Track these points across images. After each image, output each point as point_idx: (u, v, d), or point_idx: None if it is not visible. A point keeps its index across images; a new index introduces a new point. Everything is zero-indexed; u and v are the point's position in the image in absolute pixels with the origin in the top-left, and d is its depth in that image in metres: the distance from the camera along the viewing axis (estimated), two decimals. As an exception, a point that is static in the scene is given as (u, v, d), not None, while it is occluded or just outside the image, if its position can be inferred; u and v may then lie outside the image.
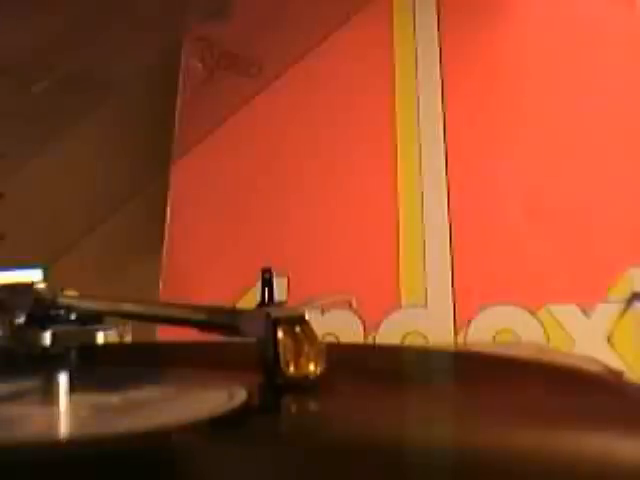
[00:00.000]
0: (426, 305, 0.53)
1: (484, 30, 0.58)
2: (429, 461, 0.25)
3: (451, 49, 0.58)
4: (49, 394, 0.31)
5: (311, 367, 0.32)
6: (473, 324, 0.52)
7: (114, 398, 0.32)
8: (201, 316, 0.33)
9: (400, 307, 0.53)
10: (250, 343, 0.33)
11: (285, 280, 0.54)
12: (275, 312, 0.32)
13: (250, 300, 0.52)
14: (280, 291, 0.51)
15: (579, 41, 0.57)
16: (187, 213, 0.58)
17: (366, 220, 0.55)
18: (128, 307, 0.35)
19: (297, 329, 0.32)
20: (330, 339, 0.52)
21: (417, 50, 0.59)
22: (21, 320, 0.33)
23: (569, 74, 0.56)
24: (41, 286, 0.34)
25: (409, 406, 0.33)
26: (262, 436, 0.28)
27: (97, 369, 0.35)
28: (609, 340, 0.51)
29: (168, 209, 0.58)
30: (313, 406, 0.32)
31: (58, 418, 0.30)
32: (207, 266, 0.56)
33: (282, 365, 0.32)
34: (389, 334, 0.52)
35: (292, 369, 0.32)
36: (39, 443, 0.27)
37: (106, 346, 0.33)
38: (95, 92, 0.61)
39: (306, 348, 0.32)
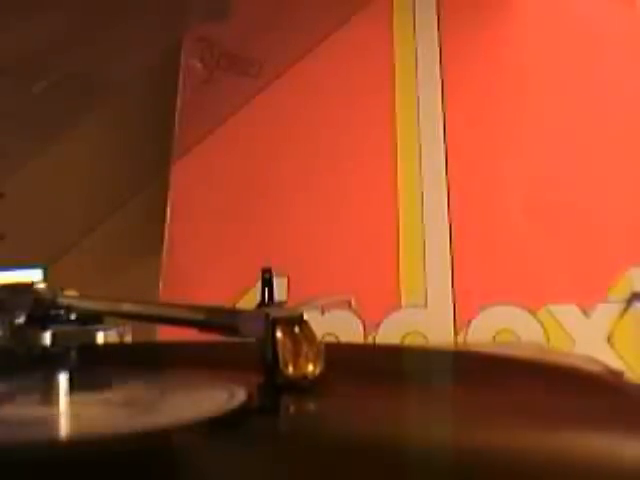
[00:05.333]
0: (426, 305, 0.53)
1: (484, 30, 0.58)
2: (429, 461, 0.25)
3: (451, 49, 0.58)
4: (49, 394, 0.31)
5: (310, 367, 0.32)
6: (473, 324, 0.52)
7: (114, 398, 0.32)
8: (201, 316, 0.33)
9: (400, 307, 0.53)
10: (250, 343, 0.33)
11: (285, 280, 0.54)
12: (274, 312, 0.33)
13: (250, 300, 0.52)
14: (280, 291, 0.51)
15: (579, 41, 0.57)
16: (187, 213, 0.58)
17: (366, 220, 0.55)
18: (128, 307, 0.35)
19: (296, 329, 0.32)
20: (330, 339, 0.52)
21: (417, 50, 0.59)
22: (21, 320, 0.33)
23: (569, 74, 0.56)
24: (41, 286, 0.34)
25: (409, 406, 0.33)
26: (261, 436, 0.28)
27: (97, 369, 0.35)
28: (609, 340, 0.51)
29: (168, 209, 0.58)
30: (312, 406, 0.32)
31: (58, 418, 0.30)
32: (207, 266, 0.56)
33: (281, 365, 0.32)
34: (389, 334, 0.52)
35: (291, 369, 0.32)
36: (39, 443, 0.27)
37: (106, 346, 0.33)
38: (95, 92, 0.61)
39: (305, 348, 0.32)
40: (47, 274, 0.35)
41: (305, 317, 0.33)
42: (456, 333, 0.52)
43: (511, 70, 0.57)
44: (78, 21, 0.58)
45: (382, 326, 0.53)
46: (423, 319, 0.53)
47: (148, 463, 0.25)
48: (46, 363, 0.32)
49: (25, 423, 0.29)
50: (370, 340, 0.53)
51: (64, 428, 0.30)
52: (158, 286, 0.56)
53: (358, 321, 0.53)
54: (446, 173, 0.55)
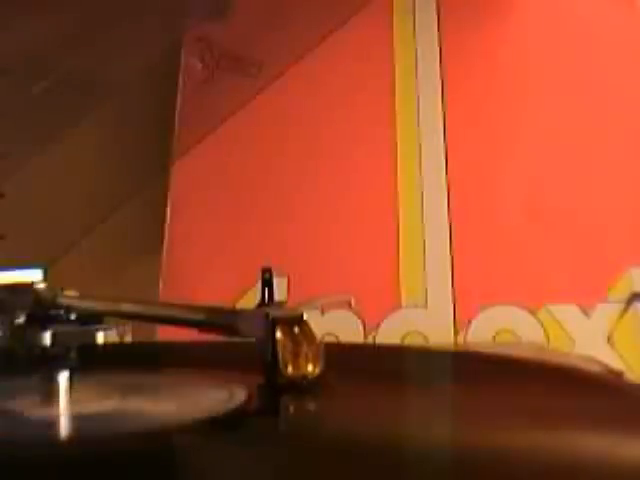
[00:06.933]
0: (426, 305, 0.53)
1: (484, 30, 0.58)
2: (429, 461, 0.25)
3: (451, 49, 0.58)
4: (49, 394, 0.31)
5: (309, 367, 0.32)
6: (473, 324, 0.52)
7: (114, 398, 0.32)
8: (200, 316, 0.33)
9: (400, 307, 0.53)
10: (250, 343, 0.33)
11: (285, 280, 0.54)
12: (274, 312, 0.33)
13: (250, 300, 0.52)
14: (280, 291, 0.51)
15: (579, 41, 0.57)
16: (187, 213, 0.58)
17: (366, 220, 0.55)
18: (128, 307, 0.35)
19: (296, 329, 0.32)
20: (330, 339, 0.52)
21: (417, 50, 0.59)
22: (21, 320, 0.33)
23: (569, 74, 0.56)
24: (41, 286, 0.34)
25: (409, 406, 0.33)
26: (261, 436, 0.28)
27: (97, 369, 0.35)
28: (609, 340, 0.51)
29: (168, 209, 0.58)
30: (312, 406, 0.32)
31: (58, 418, 0.30)
32: (207, 266, 0.56)
33: (281, 365, 0.32)
34: (389, 334, 0.52)
35: (290, 369, 0.32)
36: (39, 443, 0.27)
37: (106, 346, 0.33)
38: (95, 92, 0.61)
39: (304, 348, 0.32)
40: (47, 274, 0.35)
41: (305, 317, 0.33)
42: (456, 333, 0.52)
43: (511, 70, 0.57)
44: (78, 21, 0.58)
45: (382, 326, 0.53)
46: (423, 319, 0.53)
47: (148, 463, 0.25)
48: (46, 363, 0.32)
49: (25, 423, 0.29)
50: (370, 340, 0.53)
51: (64, 428, 0.30)
52: (158, 285, 0.56)
53: (358, 321, 0.53)
54: (446, 173, 0.55)
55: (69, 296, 0.34)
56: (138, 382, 0.34)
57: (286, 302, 0.36)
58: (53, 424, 0.30)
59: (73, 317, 0.33)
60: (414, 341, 0.52)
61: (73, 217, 0.64)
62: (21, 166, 0.61)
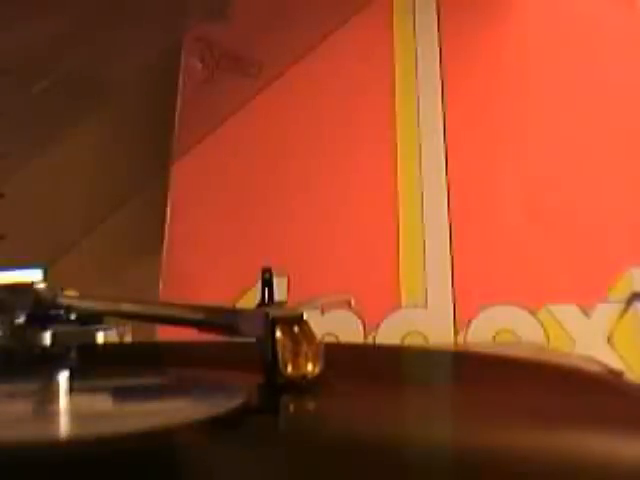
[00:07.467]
0: (426, 305, 0.53)
1: (484, 30, 0.58)
2: (429, 461, 0.25)
3: (451, 49, 0.58)
4: (49, 394, 0.31)
5: (309, 367, 0.32)
6: (473, 324, 0.52)
7: (114, 398, 0.32)
8: (200, 316, 0.33)
9: (400, 307, 0.53)
10: (250, 343, 0.33)
11: (285, 280, 0.54)
12: (274, 312, 0.33)
13: (250, 300, 0.52)
14: (280, 291, 0.51)
15: (579, 41, 0.57)
16: (187, 213, 0.58)
17: (366, 220, 0.55)
18: (128, 307, 0.35)
19: (295, 329, 0.32)
20: (330, 339, 0.52)
21: (417, 50, 0.59)
22: (21, 320, 0.33)
23: (569, 74, 0.56)
24: (41, 286, 0.34)
25: (409, 406, 0.33)
26: (261, 436, 0.28)
27: (97, 369, 0.35)
28: (609, 340, 0.51)
29: (168, 209, 0.58)
30: (312, 406, 0.32)
31: (58, 418, 0.30)
32: (207, 266, 0.56)
33: (280, 365, 0.32)
34: (389, 334, 0.52)
35: (290, 369, 0.32)
36: (39, 443, 0.27)
37: (106, 346, 0.33)
38: (95, 92, 0.61)
39: (304, 348, 0.32)
40: (47, 274, 0.35)
41: (305, 317, 0.33)
42: (456, 333, 0.52)
43: (511, 70, 0.57)
44: (78, 21, 0.58)
45: (382, 326, 0.53)
46: (423, 319, 0.53)
47: (148, 463, 0.25)
48: (46, 363, 0.32)
49: (25, 423, 0.29)
50: (370, 340, 0.53)
51: (64, 428, 0.30)
52: (158, 286, 0.56)
53: (358, 321, 0.53)
54: (446, 173, 0.55)
55: (69, 296, 0.34)
56: (138, 382, 0.34)
57: (286, 302, 0.36)
58: (53, 424, 0.30)
59: (73, 317, 0.33)
60: (414, 341, 0.52)
61: (73, 217, 0.64)
62: (21, 166, 0.60)
